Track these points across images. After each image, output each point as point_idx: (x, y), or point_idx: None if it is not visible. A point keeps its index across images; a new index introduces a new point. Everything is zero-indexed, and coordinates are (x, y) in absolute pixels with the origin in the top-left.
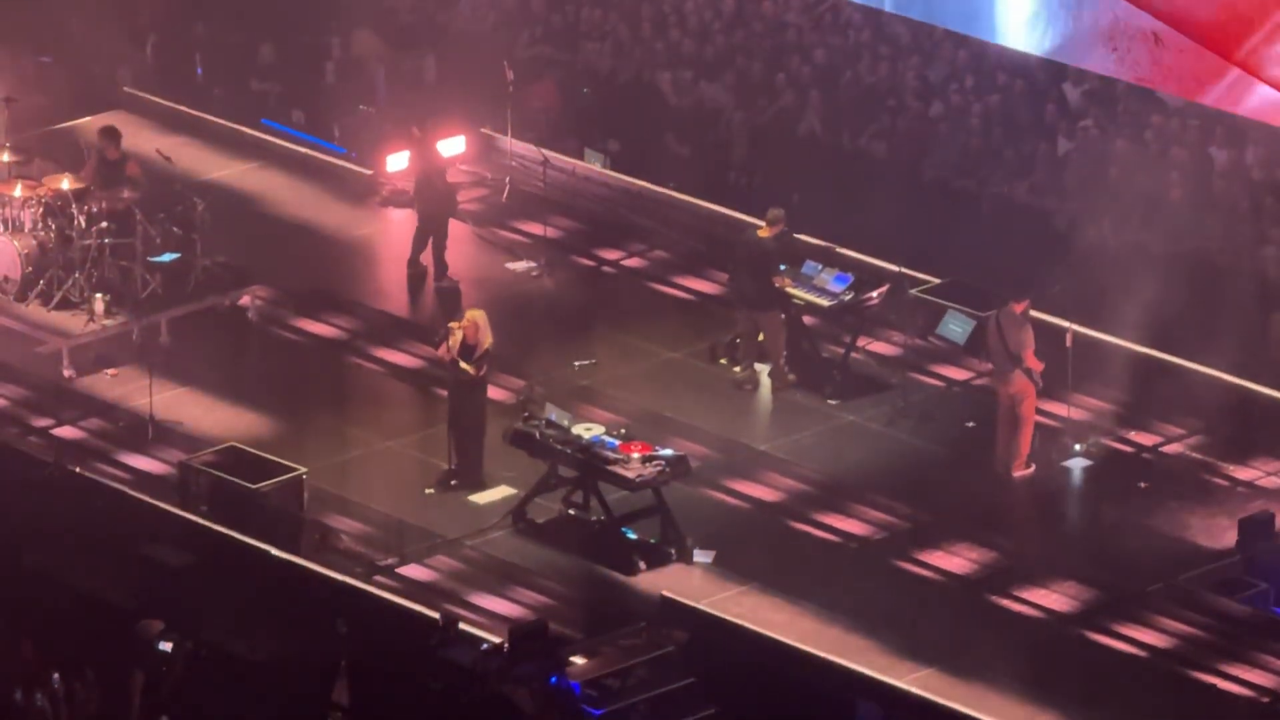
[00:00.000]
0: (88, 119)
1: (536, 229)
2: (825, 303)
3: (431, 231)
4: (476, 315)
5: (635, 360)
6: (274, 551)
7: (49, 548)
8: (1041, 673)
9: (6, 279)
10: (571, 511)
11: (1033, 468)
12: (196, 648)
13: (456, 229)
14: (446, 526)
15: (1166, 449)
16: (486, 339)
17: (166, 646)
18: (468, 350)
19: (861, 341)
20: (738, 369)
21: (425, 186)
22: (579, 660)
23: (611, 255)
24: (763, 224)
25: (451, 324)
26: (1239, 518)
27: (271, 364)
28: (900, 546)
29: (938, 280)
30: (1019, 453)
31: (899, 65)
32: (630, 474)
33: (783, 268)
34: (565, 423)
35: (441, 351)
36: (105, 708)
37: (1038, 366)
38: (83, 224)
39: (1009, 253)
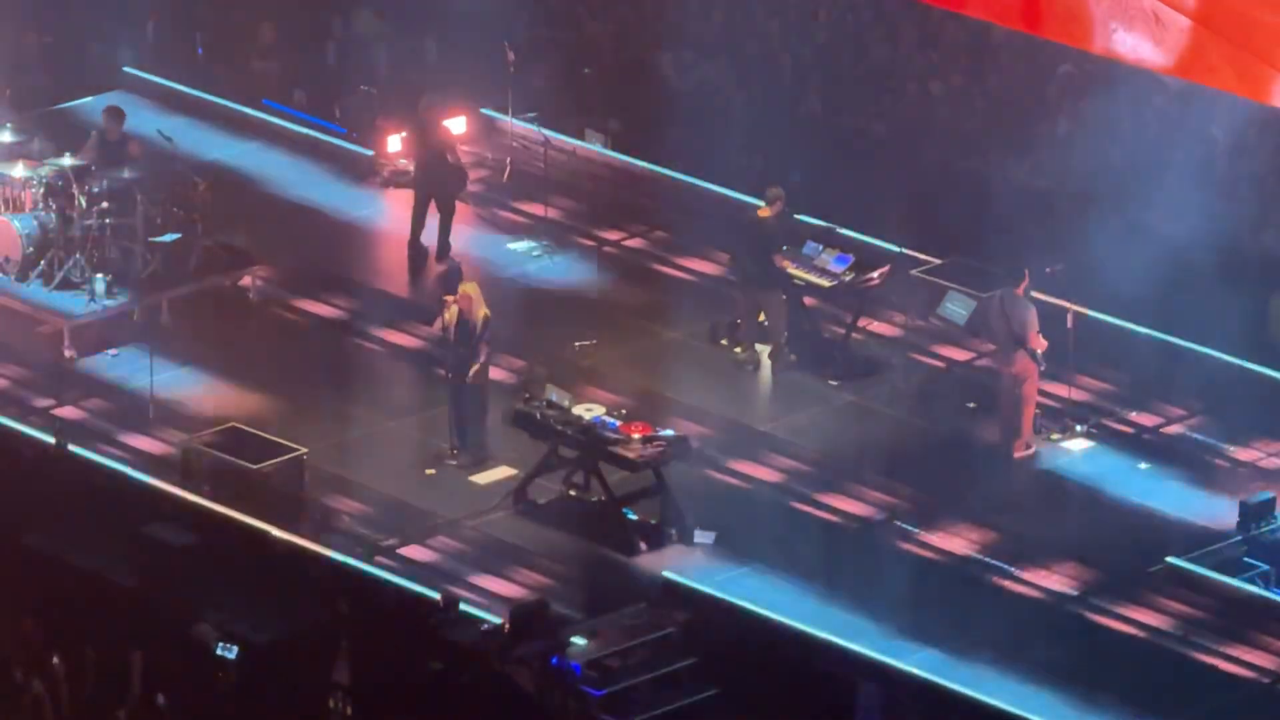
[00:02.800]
0: (89, 99)
1: (537, 209)
2: (826, 283)
3: (438, 210)
4: (469, 288)
5: (636, 341)
6: (275, 531)
7: (50, 528)
8: (1042, 654)
9: (7, 259)
10: (572, 492)
11: (1034, 448)
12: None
13: (458, 209)
14: (447, 507)
15: (1167, 429)
16: (481, 311)
17: (228, 651)
18: (464, 325)
19: (862, 322)
20: (738, 349)
21: (430, 165)
22: (580, 641)
23: (612, 236)
24: (762, 204)
25: (446, 298)
26: (1240, 499)
27: (272, 344)
28: (901, 527)
29: (938, 261)
30: (1019, 433)
31: (900, 46)
32: (631, 454)
33: (784, 248)
34: (566, 403)
35: (437, 327)
36: (104, 688)
37: (1041, 346)
38: (83, 204)
39: (1010, 233)
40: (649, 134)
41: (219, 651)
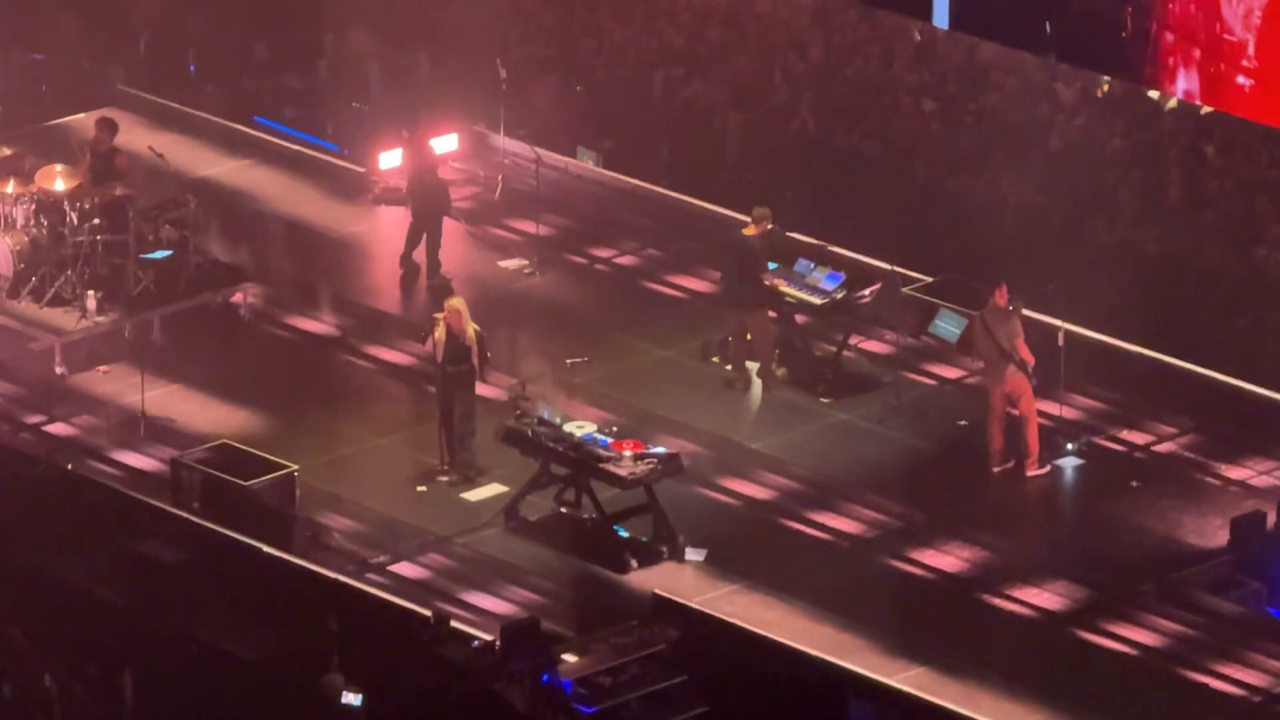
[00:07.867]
0: (80, 116)
1: (529, 227)
2: (817, 301)
3: (425, 229)
4: (457, 304)
5: (628, 358)
6: (265, 549)
7: (41, 545)
8: (1033, 671)
9: None
10: (563, 509)
11: (1048, 467)
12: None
13: (449, 227)
14: (438, 524)
15: (1159, 448)
16: (470, 327)
17: (354, 699)
18: (454, 339)
19: (853, 340)
20: (730, 367)
21: (417, 184)
22: (571, 658)
23: (604, 253)
24: (749, 222)
25: (435, 315)
26: (1231, 517)
27: (263, 361)
28: (892, 545)
29: (930, 279)
30: (1030, 450)
31: (892, 63)
32: (622, 472)
33: (773, 266)
34: (557, 420)
35: (427, 346)
36: (98, 706)
37: (1030, 359)
38: (75, 221)
39: (1001, 251)
40: (641, 151)
41: (345, 700)
